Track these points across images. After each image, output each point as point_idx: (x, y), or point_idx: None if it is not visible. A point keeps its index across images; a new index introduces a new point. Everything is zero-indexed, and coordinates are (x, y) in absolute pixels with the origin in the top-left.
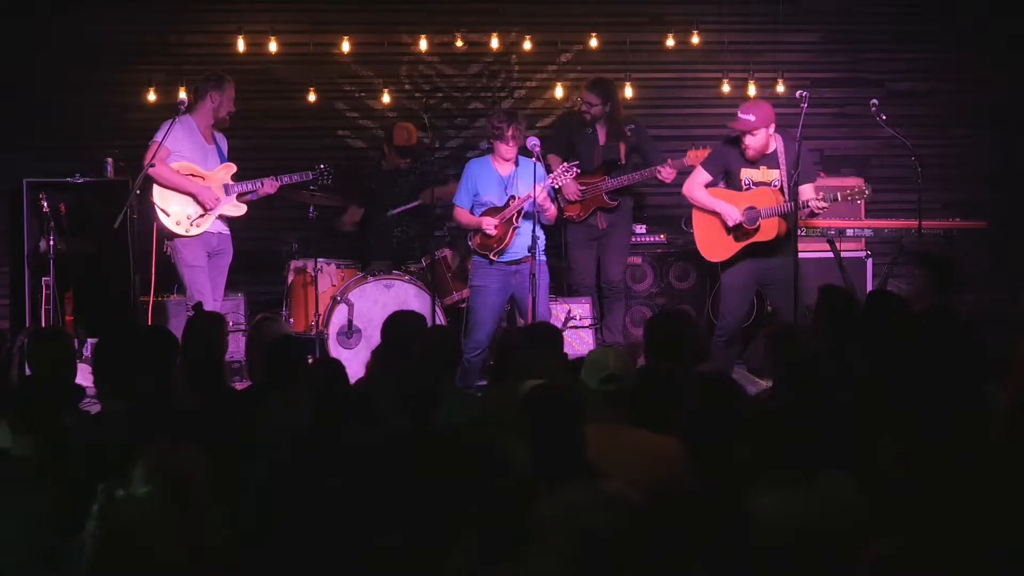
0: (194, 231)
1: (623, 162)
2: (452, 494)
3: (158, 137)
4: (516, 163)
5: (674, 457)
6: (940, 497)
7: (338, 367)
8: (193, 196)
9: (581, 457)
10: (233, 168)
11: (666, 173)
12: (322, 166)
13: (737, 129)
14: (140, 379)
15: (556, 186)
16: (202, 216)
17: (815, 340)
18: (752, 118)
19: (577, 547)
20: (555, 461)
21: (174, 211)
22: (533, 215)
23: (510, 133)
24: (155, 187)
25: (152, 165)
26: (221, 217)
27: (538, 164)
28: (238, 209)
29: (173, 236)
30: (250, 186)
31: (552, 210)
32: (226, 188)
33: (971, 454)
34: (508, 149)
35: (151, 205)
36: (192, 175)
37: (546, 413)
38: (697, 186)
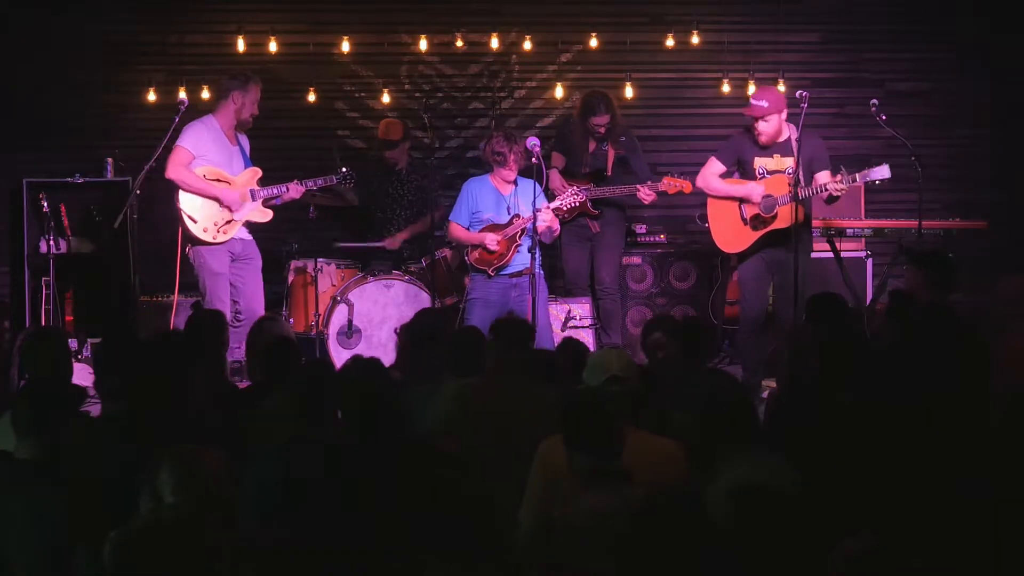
0: (221, 238)
1: (609, 173)
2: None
3: (181, 142)
4: (515, 182)
5: (678, 459)
6: (913, 494)
7: (324, 368)
8: (217, 199)
9: (618, 460)
10: (259, 173)
11: (644, 193)
12: (344, 169)
13: (750, 115)
14: (146, 380)
15: (564, 209)
16: (229, 223)
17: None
18: (765, 104)
19: (604, 552)
20: (592, 464)
21: (201, 218)
22: (534, 236)
23: (512, 158)
24: (181, 192)
25: (155, 165)
26: (246, 223)
27: (537, 185)
28: (264, 215)
29: (199, 242)
30: (275, 191)
31: (557, 231)
32: (252, 193)
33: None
34: (510, 172)
35: (177, 210)
36: (218, 180)
37: (584, 418)
38: (712, 176)
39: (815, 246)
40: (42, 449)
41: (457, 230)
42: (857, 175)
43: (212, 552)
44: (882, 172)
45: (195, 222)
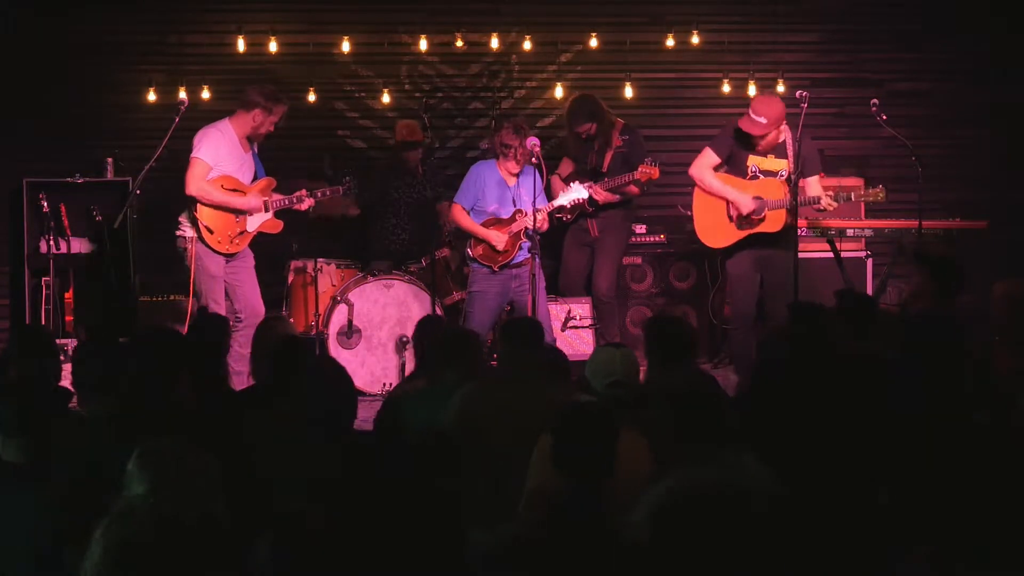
0: (233, 249)
1: (605, 171)
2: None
3: (199, 154)
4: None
5: (644, 451)
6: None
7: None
8: (239, 211)
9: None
10: (273, 183)
11: (595, 191)
12: (348, 178)
13: (748, 131)
14: (122, 380)
15: (569, 205)
16: (242, 235)
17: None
18: (764, 120)
19: None
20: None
21: (217, 230)
22: (534, 236)
23: (520, 152)
24: (200, 205)
25: (155, 165)
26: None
27: (537, 178)
28: (276, 226)
29: (205, 246)
30: (287, 202)
31: (545, 226)
32: (265, 204)
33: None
34: (516, 166)
35: (195, 220)
36: (234, 189)
37: (579, 431)
38: (706, 169)
39: (814, 246)
40: (28, 451)
41: (462, 216)
42: (852, 194)
43: (191, 550)
44: (876, 195)
45: (211, 233)
